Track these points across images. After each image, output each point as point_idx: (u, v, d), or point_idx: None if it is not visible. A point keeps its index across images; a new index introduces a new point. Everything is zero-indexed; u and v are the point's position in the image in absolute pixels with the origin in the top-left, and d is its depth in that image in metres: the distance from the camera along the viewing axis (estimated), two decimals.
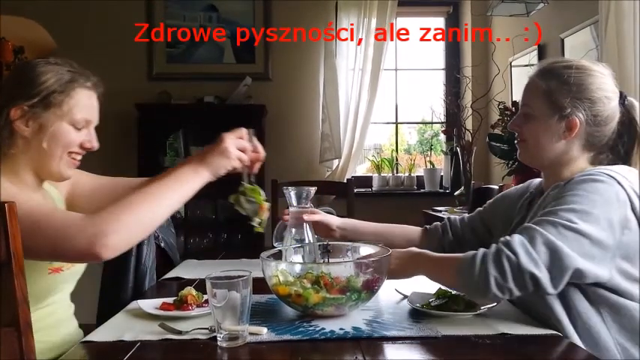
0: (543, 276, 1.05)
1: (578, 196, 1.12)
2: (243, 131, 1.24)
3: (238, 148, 1.21)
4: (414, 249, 1.27)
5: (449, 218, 1.59)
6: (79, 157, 1.26)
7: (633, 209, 1.14)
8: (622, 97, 1.26)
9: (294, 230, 1.44)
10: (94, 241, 1.02)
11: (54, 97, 1.19)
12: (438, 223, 1.61)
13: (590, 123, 1.23)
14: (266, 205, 1.26)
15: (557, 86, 1.24)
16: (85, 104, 1.24)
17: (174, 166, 1.21)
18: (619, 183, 1.14)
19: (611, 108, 1.24)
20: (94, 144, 1.26)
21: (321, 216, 1.55)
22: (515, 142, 1.34)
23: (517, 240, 1.08)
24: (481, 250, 1.11)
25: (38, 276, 1.19)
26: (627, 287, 1.14)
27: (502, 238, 1.11)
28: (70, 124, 1.21)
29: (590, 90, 1.23)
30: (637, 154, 1.26)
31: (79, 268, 1.32)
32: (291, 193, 1.45)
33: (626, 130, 1.26)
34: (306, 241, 1.44)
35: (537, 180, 1.42)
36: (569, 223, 1.08)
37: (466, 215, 1.59)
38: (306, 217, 1.46)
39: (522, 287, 1.07)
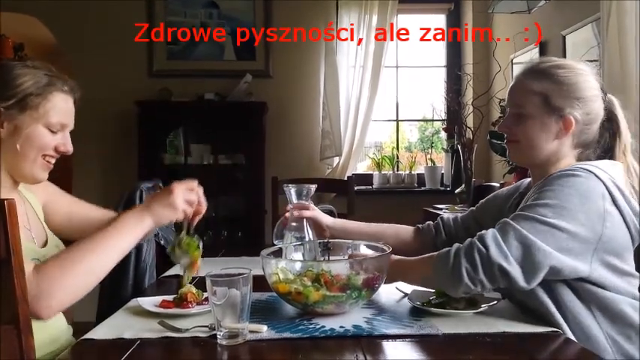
0: (513, 270, 1.07)
1: (553, 191, 1.14)
2: (195, 184, 1.26)
3: (186, 200, 1.23)
4: (393, 256, 1.26)
5: (442, 217, 1.59)
6: (54, 161, 1.26)
7: (614, 202, 1.14)
8: (603, 93, 1.28)
9: (294, 228, 1.44)
10: (36, 302, 1.02)
11: (30, 100, 1.19)
12: (431, 222, 1.59)
13: (583, 121, 1.24)
14: (199, 262, 1.28)
15: (552, 86, 1.24)
16: (61, 108, 1.24)
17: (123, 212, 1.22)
18: (597, 176, 1.15)
19: (598, 105, 1.26)
20: (69, 147, 1.26)
21: (312, 213, 1.51)
22: (505, 142, 1.34)
23: (490, 234, 1.10)
24: (455, 245, 1.14)
25: None
26: (615, 281, 1.14)
27: (478, 233, 1.13)
28: (46, 126, 1.22)
29: (582, 89, 1.24)
30: (619, 148, 1.28)
31: None
32: (292, 191, 1.45)
33: (608, 126, 1.28)
34: (307, 239, 1.43)
35: (527, 180, 1.42)
36: (543, 218, 1.10)
37: (459, 214, 1.58)
38: (296, 212, 1.45)
39: (492, 280, 1.09)
